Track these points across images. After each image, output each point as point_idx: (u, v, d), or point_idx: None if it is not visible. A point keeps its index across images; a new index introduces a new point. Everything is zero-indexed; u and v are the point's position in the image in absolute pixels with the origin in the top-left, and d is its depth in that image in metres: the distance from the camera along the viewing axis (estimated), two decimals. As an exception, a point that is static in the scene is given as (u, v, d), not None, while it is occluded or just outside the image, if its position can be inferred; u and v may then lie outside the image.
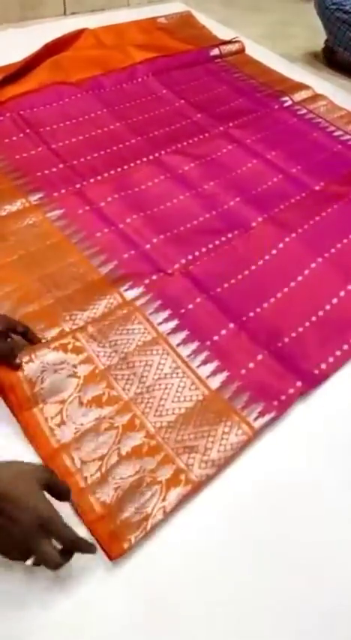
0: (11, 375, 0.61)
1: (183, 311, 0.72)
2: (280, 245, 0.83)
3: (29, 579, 0.49)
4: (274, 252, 0.82)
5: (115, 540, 0.51)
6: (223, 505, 0.56)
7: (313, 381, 0.67)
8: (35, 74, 1.15)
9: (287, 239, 0.83)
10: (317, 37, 1.53)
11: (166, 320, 0.71)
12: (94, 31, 1.34)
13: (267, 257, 0.81)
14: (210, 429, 0.60)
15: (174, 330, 0.70)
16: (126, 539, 0.51)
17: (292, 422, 0.63)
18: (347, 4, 1.40)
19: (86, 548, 0.48)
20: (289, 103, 1.18)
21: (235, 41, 1.37)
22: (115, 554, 0.50)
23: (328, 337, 0.71)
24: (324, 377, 0.67)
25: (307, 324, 0.72)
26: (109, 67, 1.20)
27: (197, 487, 0.56)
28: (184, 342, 0.69)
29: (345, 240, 0.85)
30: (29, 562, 0.46)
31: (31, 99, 1.06)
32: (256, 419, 0.61)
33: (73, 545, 0.47)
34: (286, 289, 0.77)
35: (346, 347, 0.70)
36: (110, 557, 0.50)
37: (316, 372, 0.67)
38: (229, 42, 1.37)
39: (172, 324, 0.71)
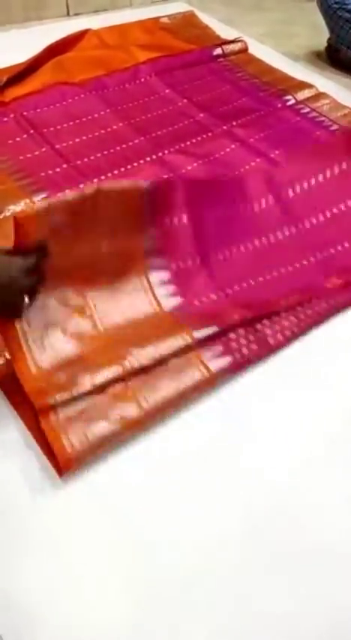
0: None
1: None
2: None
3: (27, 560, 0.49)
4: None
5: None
6: (222, 499, 0.56)
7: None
8: (38, 75, 1.16)
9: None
10: (320, 35, 1.53)
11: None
12: (97, 31, 1.34)
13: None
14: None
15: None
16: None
17: (290, 416, 0.64)
18: (350, 2, 1.40)
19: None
20: (293, 101, 1.18)
21: (238, 40, 1.37)
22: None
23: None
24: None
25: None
26: (112, 68, 1.20)
27: None
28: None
29: (346, 244, 0.85)
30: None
31: (35, 100, 1.07)
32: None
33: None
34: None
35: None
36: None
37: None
38: (232, 41, 1.36)
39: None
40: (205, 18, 1.53)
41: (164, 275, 0.72)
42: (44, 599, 0.48)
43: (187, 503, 0.55)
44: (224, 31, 1.45)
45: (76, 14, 1.55)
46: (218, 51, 1.32)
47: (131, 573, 0.50)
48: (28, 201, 0.86)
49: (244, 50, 1.36)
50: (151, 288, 0.71)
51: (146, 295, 0.70)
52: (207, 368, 0.64)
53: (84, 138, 1.01)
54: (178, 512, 0.55)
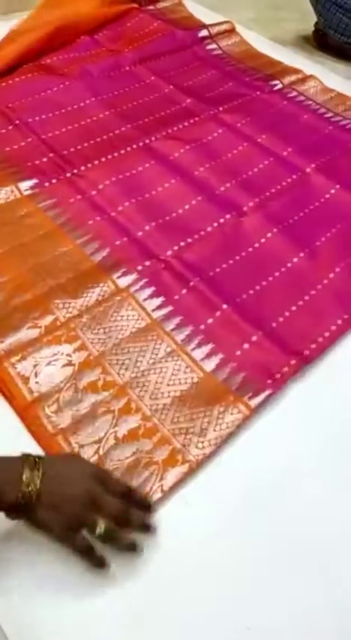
0: (3, 374, 0.62)
1: (177, 297, 0.73)
2: (269, 235, 0.83)
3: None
4: (263, 240, 0.82)
5: None
6: (221, 488, 0.56)
7: (305, 359, 0.67)
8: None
9: (275, 229, 0.83)
10: (308, 20, 1.52)
11: (159, 307, 0.71)
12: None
13: (257, 244, 0.81)
14: (205, 410, 0.60)
15: (168, 316, 0.70)
16: None
17: (289, 403, 0.64)
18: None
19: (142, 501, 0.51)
20: (280, 86, 1.17)
21: (225, 22, 1.35)
22: None
23: (317, 319, 0.72)
24: (314, 355, 0.67)
25: (294, 307, 0.72)
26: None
27: (195, 467, 0.56)
28: (178, 326, 0.69)
29: (333, 230, 0.84)
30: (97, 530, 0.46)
31: (20, 90, 1.06)
32: (251, 398, 0.62)
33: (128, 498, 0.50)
34: (277, 273, 0.77)
35: (333, 327, 0.71)
36: None
37: (307, 352, 0.68)
38: (219, 24, 1.35)
39: (166, 310, 0.71)
40: (192, 5, 1.51)
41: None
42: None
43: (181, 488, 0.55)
44: (211, 18, 1.43)
45: (61, 4, 1.53)
46: (204, 32, 1.30)
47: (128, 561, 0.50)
48: (14, 187, 0.86)
49: (232, 31, 1.34)
50: (186, 353, 0.66)
51: (183, 361, 0.65)
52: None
53: (70, 127, 1.00)
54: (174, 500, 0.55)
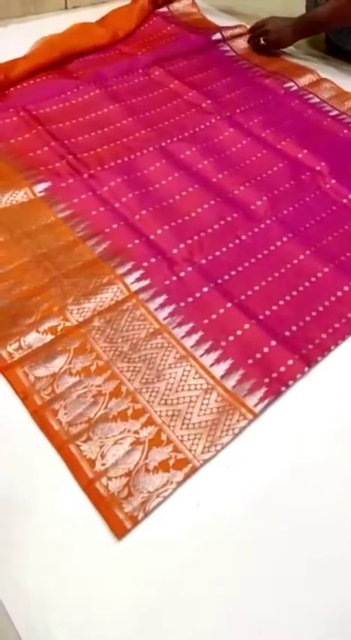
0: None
1: (191, 299, 0.72)
2: (285, 239, 0.82)
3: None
4: (279, 243, 0.82)
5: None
6: (232, 490, 0.56)
7: (311, 359, 0.67)
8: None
9: (285, 238, 0.83)
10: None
11: (164, 308, 0.71)
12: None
13: (273, 247, 0.81)
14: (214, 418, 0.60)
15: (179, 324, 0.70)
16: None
17: (298, 404, 0.64)
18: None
19: None
20: (295, 88, 1.17)
21: (238, 26, 1.36)
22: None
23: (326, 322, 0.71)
24: (319, 353, 0.67)
25: (309, 318, 0.72)
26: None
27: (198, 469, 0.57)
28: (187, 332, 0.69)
29: (335, 234, 0.84)
30: None
31: (37, 95, 1.06)
32: (258, 403, 0.62)
33: None
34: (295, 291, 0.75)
35: (337, 325, 0.71)
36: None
37: (319, 357, 0.67)
38: (232, 27, 1.35)
39: (174, 313, 0.71)
40: (205, 6, 1.51)
41: None
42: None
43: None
44: (223, 20, 1.44)
45: (75, 7, 1.54)
46: (217, 36, 1.30)
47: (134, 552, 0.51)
48: (28, 190, 0.86)
49: (245, 34, 1.34)
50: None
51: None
52: None
53: (89, 134, 0.99)
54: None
